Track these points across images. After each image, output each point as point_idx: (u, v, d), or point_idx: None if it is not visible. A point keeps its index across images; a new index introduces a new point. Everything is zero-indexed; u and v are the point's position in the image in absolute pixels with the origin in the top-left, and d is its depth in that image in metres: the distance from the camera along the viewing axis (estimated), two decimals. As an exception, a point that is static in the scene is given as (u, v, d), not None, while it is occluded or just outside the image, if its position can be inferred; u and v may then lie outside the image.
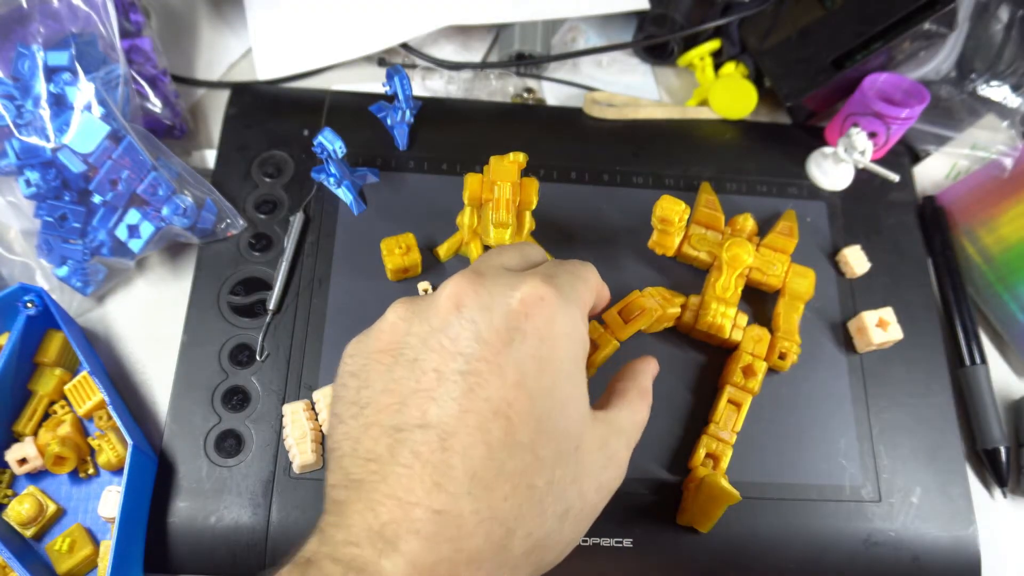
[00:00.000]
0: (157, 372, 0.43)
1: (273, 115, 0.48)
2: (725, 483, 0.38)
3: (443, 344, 0.26)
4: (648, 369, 0.34)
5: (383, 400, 0.26)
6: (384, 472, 0.25)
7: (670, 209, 0.41)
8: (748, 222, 0.45)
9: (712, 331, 0.42)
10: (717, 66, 0.53)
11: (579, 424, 0.28)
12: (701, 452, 0.40)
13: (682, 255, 0.45)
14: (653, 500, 0.41)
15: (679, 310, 0.43)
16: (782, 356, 0.43)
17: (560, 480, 0.26)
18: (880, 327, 0.44)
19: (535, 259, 0.32)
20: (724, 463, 0.40)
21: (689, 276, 0.46)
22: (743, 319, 0.43)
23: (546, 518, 0.26)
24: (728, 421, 0.41)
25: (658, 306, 0.41)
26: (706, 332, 0.43)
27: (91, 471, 0.40)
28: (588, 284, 0.31)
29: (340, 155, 0.42)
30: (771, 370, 0.43)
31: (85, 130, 0.39)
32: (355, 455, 0.26)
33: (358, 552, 0.23)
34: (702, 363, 0.44)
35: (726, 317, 0.42)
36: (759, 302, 0.46)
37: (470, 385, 0.25)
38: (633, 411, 0.32)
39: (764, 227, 0.47)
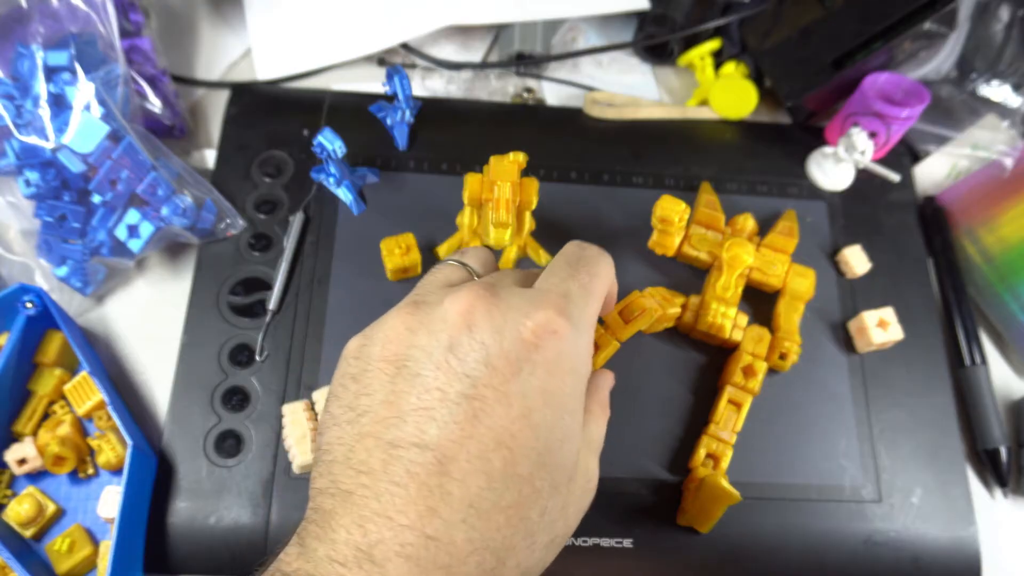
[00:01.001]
0: (157, 372, 0.43)
1: (273, 115, 0.48)
2: (725, 483, 0.37)
3: (450, 363, 0.25)
4: (606, 383, 0.34)
5: (381, 411, 0.25)
6: (376, 488, 0.24)
7: (670, 209, 0.41)
8: (748, 222, 0.45)
9: (712, 331, 0.42)
10: (717, 66, 0.53)
11: (574, 456, 0.27)
12: (701, 452, 0.40)
13: (682, 255, 0.45)
14: (653, 500, 0.41)
15: (679, 310, 0.43)
16: (783, 356, 0.42)
17: (551, 510, 0.26)
18: (880, 327, 0.44)
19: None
20: (724, 463, 0.40)
21: (689, 276, 0.46)
22: (743, 319, 0.43)
23: (535, 549, 0.26)
24: (728, 421, 0.41)
25: (658, 306, 0.41)
26: (706, 332, 0.43)
27: (91, 471, 0.40)
28: (599, 299, 0.30)
29: (340, 155, 0.42)
30: (771, 370, 0.43)
31: (85, 130, 0.39)
32: (347, 463, 0.25)
33: (343, 572, 0.23)
34: (702, 363, 0.44)
35: (726, 317, 0.42)
36: (759, 302, 0.45)
37: (474, 411, 0.25)
38: (598, 425, 0.32)
39: (764, 227, 0.46)
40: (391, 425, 0.25)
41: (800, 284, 0.44)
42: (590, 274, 0.30)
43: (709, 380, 0.43)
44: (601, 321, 0.39)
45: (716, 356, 0.44)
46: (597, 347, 0.38)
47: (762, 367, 0.42)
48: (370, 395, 0.26)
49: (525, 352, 0.26)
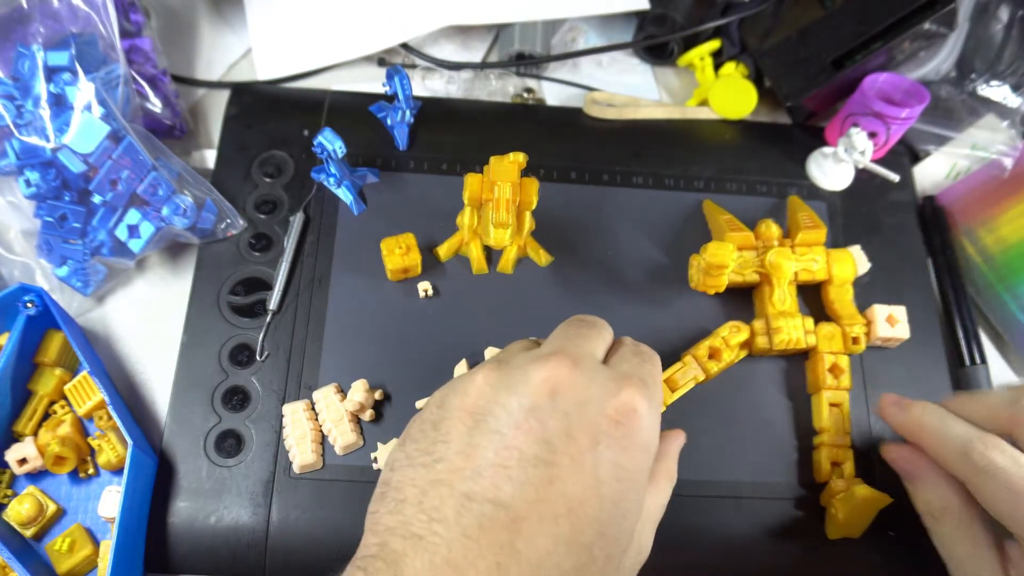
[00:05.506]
0: (157, 372, 0.43)
1: (273, 115, 0.48)
2: (870, 490, 0.38)
3: (530, 424, 0.27)
4: (677, 448, 0.35)
5: (457, 461, 0.26)
6: (448, 537, 0.25)
7: (722, 256, 0.40)
8: (772, 228, 0.45)
9: (792, 347, 0.42)
10: (717, 66, 0.53)
11: (631, 530, 0.28)
12: (825, 464, 0.40)
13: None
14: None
15: (735, 356, 0.42)
16: (855, 341, 0.42)
17: None
18: (888, 322, 0.43)
19: (608, 336, 0.33)
20: (850, 467, 0.40)
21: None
22: (809, 322, 0.43)
23: None
24: (837, 424, 0.41)
25: (701, 373, 0.41)
26: (784, 350, 0.42)
27: (91, 471, 0.40)
28: (661, 386, 0.32)
29: (340, 155, 0.42)
30: (760, 360, 0.43)
31: (85, 130, 0.39)
32: (419, 506, 0.26)
33: None
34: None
35: (798, 329, 0.42)
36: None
37: (550, 476, 0.26)
38: (660, 495, 0.33)
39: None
40: (466, 477, 0.26)
41: (843, 268, 0.44)
42: (653, 363, 0.32)
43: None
44: None
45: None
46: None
47: (846, 361, 0.42)
48: (447, 443, 0.27)
49: (606, 427, 0.27)
